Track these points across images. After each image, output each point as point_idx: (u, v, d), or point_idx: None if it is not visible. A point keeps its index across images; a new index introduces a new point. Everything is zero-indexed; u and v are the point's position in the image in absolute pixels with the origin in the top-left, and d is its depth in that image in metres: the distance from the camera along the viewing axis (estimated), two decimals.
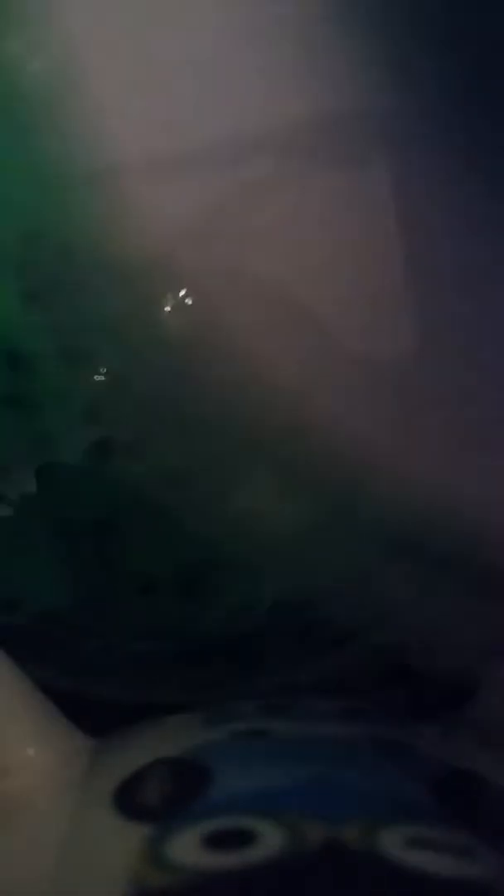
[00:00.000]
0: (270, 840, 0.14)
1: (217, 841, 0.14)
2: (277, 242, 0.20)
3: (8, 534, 0.22)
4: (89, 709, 0.23)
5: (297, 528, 0.22)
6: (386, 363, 0.21)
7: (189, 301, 0.21)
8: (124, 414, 0.22)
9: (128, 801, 0.15)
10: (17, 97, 0.22)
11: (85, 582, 0.22)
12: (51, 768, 0.18)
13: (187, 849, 0.14)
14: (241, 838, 0.14)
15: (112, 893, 0.13)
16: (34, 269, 0.22)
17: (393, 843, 0.14)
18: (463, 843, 0.14)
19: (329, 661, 0.21)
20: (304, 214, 0.20)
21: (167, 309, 0.22)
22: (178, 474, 0.22)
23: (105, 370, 0.22)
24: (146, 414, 0.22)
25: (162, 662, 0.22)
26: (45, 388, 0.22)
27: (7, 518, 0.22)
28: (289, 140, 0.20)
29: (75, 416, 0.21)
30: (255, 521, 0.22)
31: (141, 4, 0.20)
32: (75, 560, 0.22)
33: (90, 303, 0.22)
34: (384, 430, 0.21)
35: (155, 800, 0.15)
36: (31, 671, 0.19)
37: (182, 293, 0.22)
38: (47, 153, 0.22)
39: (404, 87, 0.20)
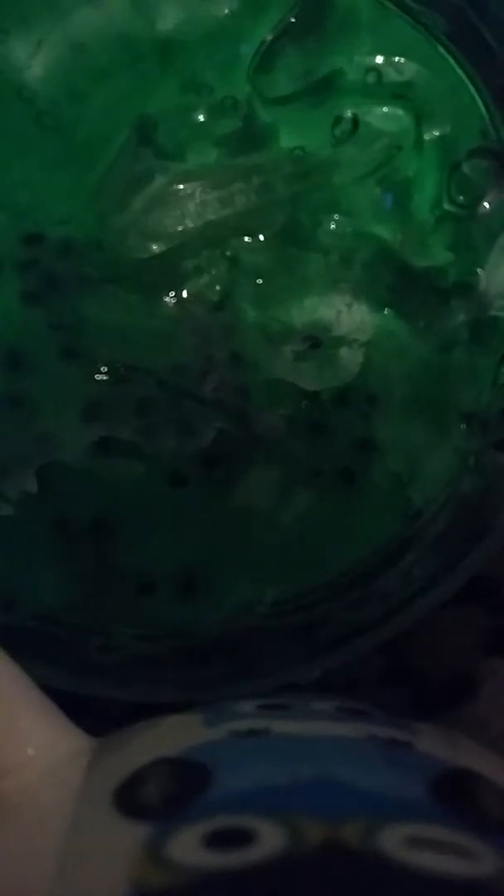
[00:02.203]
0: (270, 839, 0.14)
1: (217, 840, 0.14)
2: None
3: (8, 533, 0.22)
4: (89, 709, 0.23)
5: (297, 526, 0.22)
6: None
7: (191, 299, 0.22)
8: (124, 414, 0.22)
9: (128, 801, 0.15)
10: (20, 99, 0.22)
11: (84, 581, 0.22)
12: (51, 768, 0.18)
13: (187, 848, 0.14)
14: (241, 838, 0.14)
15: (112, 893, 0.13)
16: (34, 269, 0.22)
17: (392, 843, 0.14)
18: (462, 842, 0.14)
19: (329, 661, 0.21)
20: None
21: (168, 307, 0.22)
22: (176, 473, 0.22)
23: (105, 370, 0.22)
24: (146, 414, 0.22)
25: (161, 662, 0.22)
26: (45, 387, 0.22)
27: (7, 518, 0.22)
28: None
29: (75, 416, 0.22)
30: (255, 520, 0.22)
31: None
32: (75, 559, 0.22)
33: (90, 302, 0.22)
34: None
35: (155, 800, 0.15)
36: (31, 671, 0.19)
37: (184, 293, 0.22)
38: (49, 155, 0.22)
39: None
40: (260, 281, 0.22)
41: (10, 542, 0.22)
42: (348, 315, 0.22)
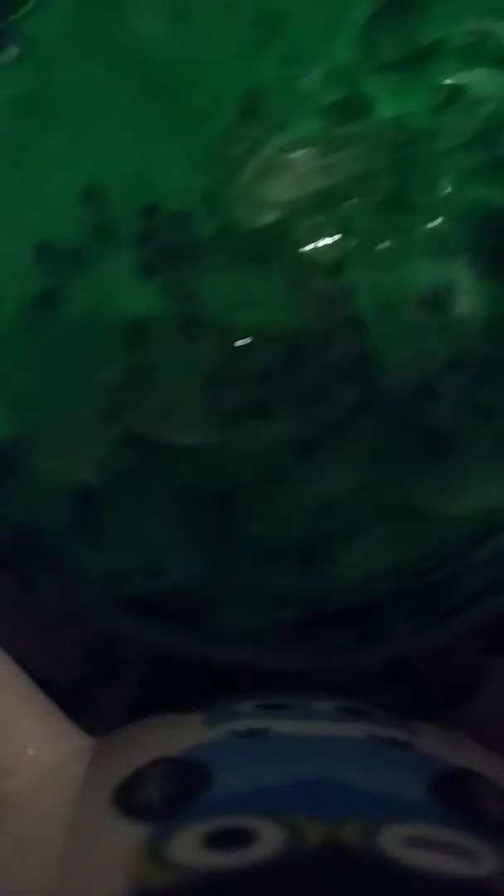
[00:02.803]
0: (270, 839, 0.14)
1: (217, 840, 0.14)
2: None
3: (139, 504, 0.22)
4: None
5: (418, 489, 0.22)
6: None
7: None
8: (245, 383, 0.22)
9: (128, 800, 0.15)
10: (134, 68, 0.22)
11: (213, 550, 0.22)
12: (51, 768, 0.18)
13: (187, 848, 0.14)
14: (241, 838, 0.14)
15: (112, 893, 0.13)
16: (151, 242, 0.22)
17: (392, 843, 0.14)
18: (462, 842, 0.14)
19: (461, 622, 0.21)
20: None
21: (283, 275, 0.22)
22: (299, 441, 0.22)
23: (226, 340, 0.22)
24: (267, 382, 0.22)
25: (289, 631, 0.22)
26: (165, 359, 0.22)
27: (136, 489, 0.22)
28: None
29: (196, 387, 0.22)
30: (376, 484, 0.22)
31: None
32: (203, 529, 0.22)
33: (207, 273, 0.22)
34: None
35: (155, 799, 0.15)
36: (164, 640, 0.19)
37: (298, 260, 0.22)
38: (161, 126, 0.23)
39: None
40: (372, 246, 0.22)
41: (141, 513, 0.22)
42: (460, 280, 0.22)
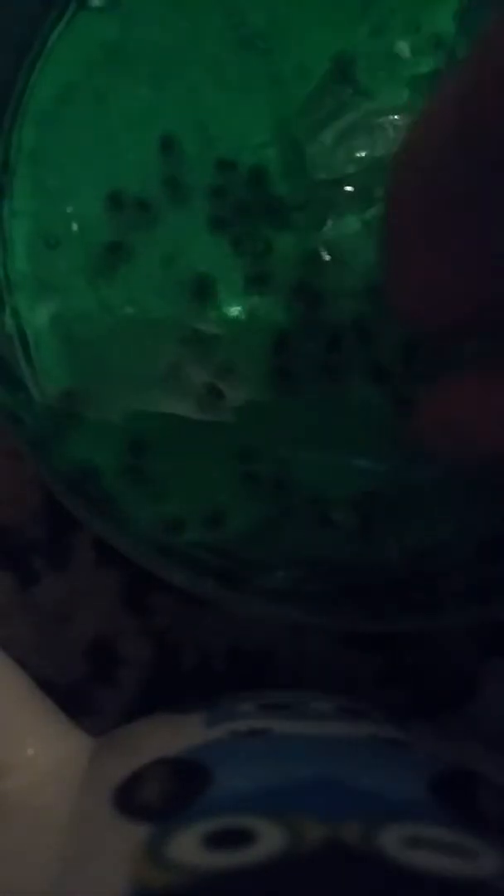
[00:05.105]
0: (270, 840, 0.14)
1: (217, 840, 0.14)
2: None
3: (203, 454, 0.22)
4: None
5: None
6: None
7: None
8: (313, 346, 0.22)
9: (128, 800, 0.15)
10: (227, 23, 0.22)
11: (268, 510, 0.22)
12: (51, 768, 0.18)
13: (187, 848, 0.14)
14: (241, 838, 0.14)
15: (112, 893, 0.13)
16: (225, 196, 0.22)
17: (392, 843, 0.14)
18: (462, 842, 0.14)
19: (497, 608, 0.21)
20: None
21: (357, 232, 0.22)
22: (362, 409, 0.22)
23: (295, 297, 0.22)
24: (337, 348, 0.22)
25: (329, 595, 0.22)
26: (231, 316, 0.22)
27: (200, 441, 0.22)
28: None
29: (262, 345, 0.22)
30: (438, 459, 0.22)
31: None
32: (258, 489, 0.22)
33: (278, 229, 0.22)
34: None
35: (155, 800, 0.15)
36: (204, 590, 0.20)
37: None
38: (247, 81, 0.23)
39: None
40: None
41: (202, 465, 0.22)
42: None
